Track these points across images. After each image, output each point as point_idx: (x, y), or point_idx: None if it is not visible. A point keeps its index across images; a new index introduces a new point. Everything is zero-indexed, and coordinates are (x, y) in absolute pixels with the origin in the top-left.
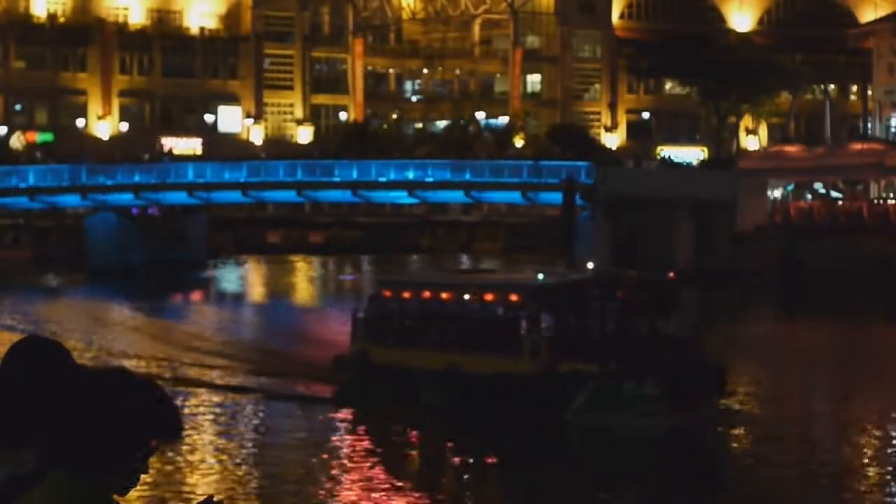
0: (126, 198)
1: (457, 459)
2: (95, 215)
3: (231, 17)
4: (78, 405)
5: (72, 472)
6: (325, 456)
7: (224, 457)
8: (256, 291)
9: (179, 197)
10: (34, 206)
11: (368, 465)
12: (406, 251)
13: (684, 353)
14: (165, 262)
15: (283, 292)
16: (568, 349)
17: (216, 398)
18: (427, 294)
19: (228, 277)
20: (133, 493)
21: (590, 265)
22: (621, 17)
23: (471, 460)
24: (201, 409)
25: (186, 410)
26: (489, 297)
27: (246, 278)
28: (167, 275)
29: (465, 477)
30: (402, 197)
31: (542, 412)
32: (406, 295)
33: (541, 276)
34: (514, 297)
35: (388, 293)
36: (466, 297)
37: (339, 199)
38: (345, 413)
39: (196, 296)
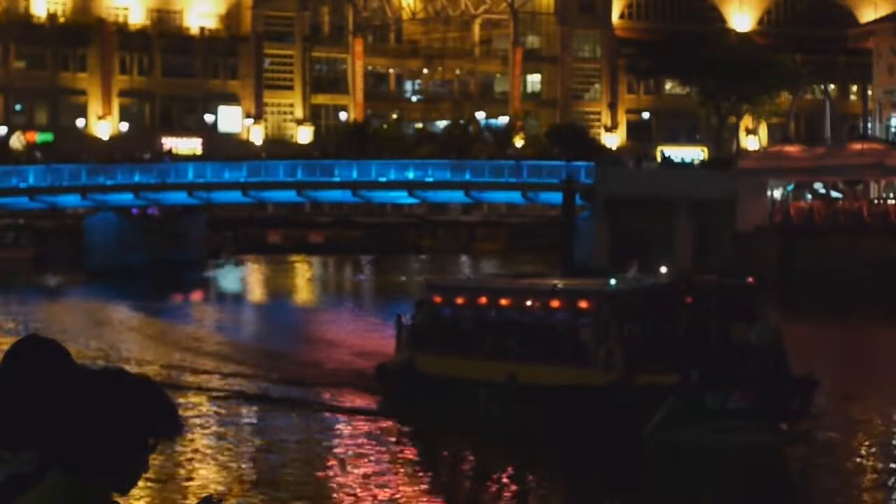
0: (126, 198)
1: (519, 478)
2: (95, 215)
3: (231, 17)
4: (77, 405)
5: (71, 471)
6: (373, 471)
7: (262, 473)
8: (265, 292)
9: (179, 197)
10: (34, 206)
11: (421, 483)
12: (406, 251)
13: (770, 364)
14: (165, 262)
15: (296, 294)
16: (645, 359)
17: (244, 409)
18: (483, 300)
19: (231, 277)
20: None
21: (663, 269)
22: (621, 17)
23: (535, 480)
24: (230, 421)
25: (213, 420)
26: (555, 303)
27: (251, 278)
28: (167, 275)
29: (529, 499)
30: (402, 197)
31: (617, 427)
32: (459, 301)
33: (614, 281)
34: (583, 304)
35: (438, 299)
36: (529, 303)
37: (339, 199)
38: (391, 425)
39: (196, 296)
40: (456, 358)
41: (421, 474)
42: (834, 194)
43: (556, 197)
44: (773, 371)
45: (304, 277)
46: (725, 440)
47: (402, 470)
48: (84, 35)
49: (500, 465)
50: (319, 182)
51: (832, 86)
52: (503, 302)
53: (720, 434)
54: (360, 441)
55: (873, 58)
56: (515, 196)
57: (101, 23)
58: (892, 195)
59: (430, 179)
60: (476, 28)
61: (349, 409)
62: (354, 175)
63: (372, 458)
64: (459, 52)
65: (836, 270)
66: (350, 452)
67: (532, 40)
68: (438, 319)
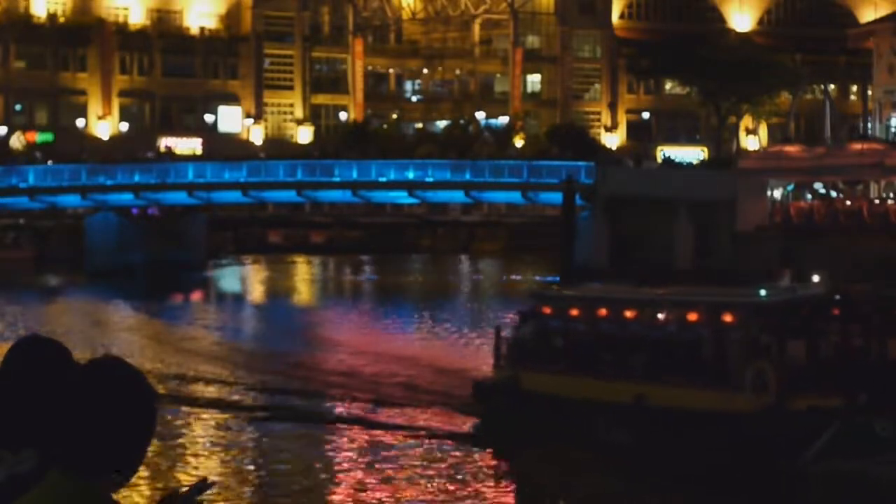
0: (126, 198)
1: None
2: (95, 215)
3: (231, 17)
4: (77, 405)
5: (71, 471)
6: None
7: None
8: (273, 293)
9: (179, 197)
10: (34, 206)
11: None
12: (406, 251)
13: None
14: (165, 262)
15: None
16: (802, 380)
17: (319, 433)
18: (603, 312)
19: (233, 277)
20: None
21: (815, 278)
22: (621, 17)
23: None
24: (310, 444)
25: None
26: (693, 316)
27: (255, 278)
28: (167, 275)
29: None
30: (402, 197)
31: (769, 458)
32: (574, 312)
33: (763, 291)
34: (728, 318)
35: (547, 310)
36: (660, 315)
37: (339, 199)
38: (492, 452)
39: (196, 296)
40: (569, 376)
41: None
42: (834, 194)
43: (556, 197)
44: None
45: (309, 278)
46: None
47: (505, 502)
48: (84, 35)
49: (624, 500)
50: (319, 182)
51: (832, 86)
52: (628, 314)
53: (891, 466)
54: (456, 470)
55: (873, 58)
56: (515, 196)
57: (101, 23)
58: (892, 195)
59: (430, 179)
60: (476, 28)
61: (443, 433)
62: (354, 175)
63: (471, 488)
64: (459, 52)
65: (836, 271)
66: (445, 482)
67: (532, 40)
68: (547, 333)
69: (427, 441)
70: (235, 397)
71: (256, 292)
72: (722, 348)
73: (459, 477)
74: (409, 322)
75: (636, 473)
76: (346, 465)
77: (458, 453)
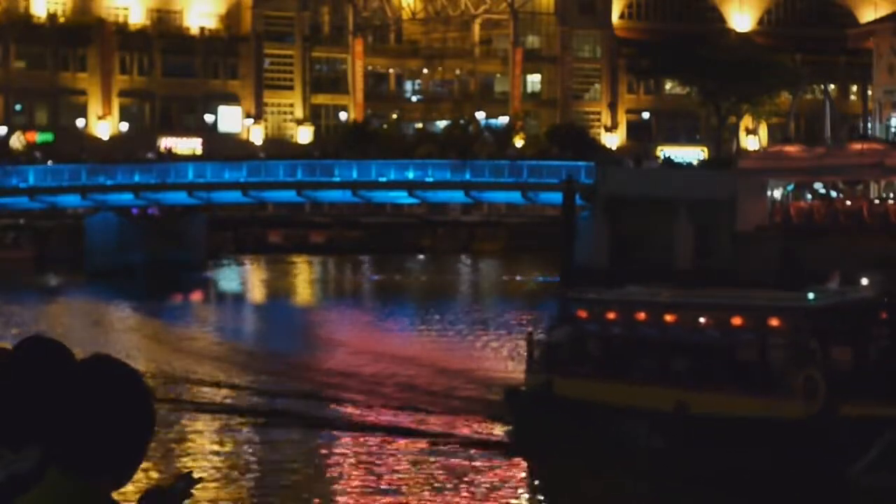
0: (126, 198)
1: None
2: (95, 215)
3: (231, 17)
4: (78, 405)
5: (71, 471)
6: None
7: None
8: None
9: (179, 197)
10: (34, 206)
11: None
12: (406, 251)
13: None
14: (165, 262)
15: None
16: (853, 388)
17: (352, 439)
18: (642, 315)
19: (239, 277)
20: None
21: (864, 281)
22: (621, 17)
23: None
24: (342, 452)
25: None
26: (738, 320)
27: (257, 278)
28: (167, 275)
29: None
30: (402, 197)
31: (819, 468)
32: (611, 316)
33: (812, 295)
34: (775, 322)
35: (583, 313)
36: (702, 320)
37: (339, 199)
38: (525, 460)
39: (196, 296)
40: (606, 382)
41: None
42: (834, 195)
43: (556, 197)
44: None
45: (309, 278)
46: None
47: None
48: (84, 35)
49: None
50: (319, 182)
51: (832, 86)
52: (668, 318)
53: None
54: (486, 479)
55: (873, 58)
56: (515, 196)
57: (101, 23)
58: (892, 195)
59: (430, 179)
60: (476, 28)
61: (474, 441)
62: (354, 175)
63: (503, 499)
64: (459, 52)
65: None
66: (475, 491)
67: (532, 40)
68: (583, 337)
69: (457, 449)
70: (234, 398)
71: (256, 292)
72: (768, 354)
73: (490, 486)
74: (410, 322)
75: (676, 483)
76: (379, 473)
77: (489, 461)
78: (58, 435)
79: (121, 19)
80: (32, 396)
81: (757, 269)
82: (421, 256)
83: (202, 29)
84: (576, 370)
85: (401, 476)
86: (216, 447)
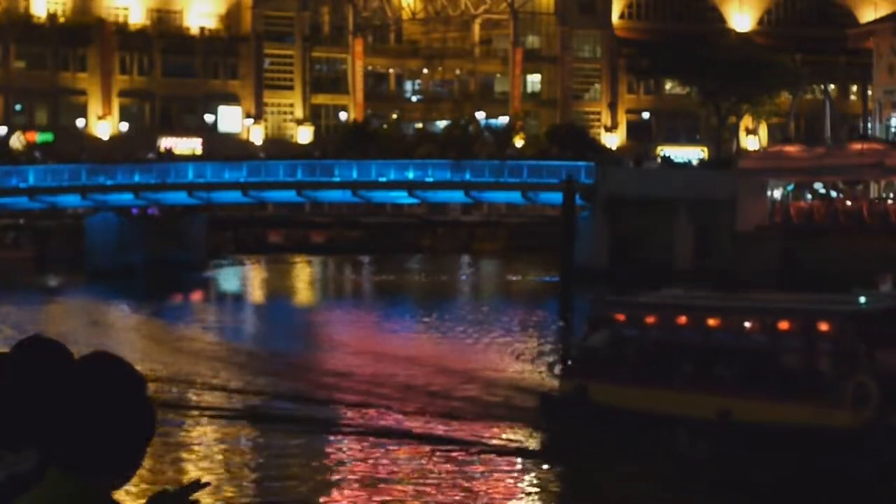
0: (126, 198)
1: None
2: (95, 215)
3: (231, 17)
4: (79, 405)
5: (71, 471)
6: None
7: None
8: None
9: (179, 197)
10: (34, 206)
11: None
12: (406, 251)
13: None
14: (165, 262)
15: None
16: None
17: (359, 444)
18: (683, 319)
19: (239, 277)
20: None
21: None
22: (621, 17)
23: None
24: (364, 459)
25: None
26: (784, 325)
27: (259, 278)
28: (167, 275)
29: None
30: (402, 197)
31: (870, 479)
32: (650, 320)
33: (863, 299)
34: (824, 327)
35: (620, 317)
36: (747, 324)
37: (339, 199)
38: (560, 468)
39: (196, 296)
40: (644, 388)
41: None
42: (834, 194)
43: (556, 197)
44: None
45: (309, 278)
46: None
47: None
48: (84, 35)
49: None
50: (319, 182)
51: (832, 86)
52: (711, 322)
53: None
54: (521, 487)
55: (873, 58)
56: (515, 196)
57: (101, 23)
58: (892, 195)
59: (430, 179)
60: (476, 28)
61: (508, 448)
62: (354, 175)
63: None
64: (459, 52)
65: (836, 271)
66: (509, 500)
67: (532, 40)
68: (621, 342)
69: (490, 456)
70: (233, 399)
71: (256, 292)
72: (816, 360)
73: (525, 494)
74: (411, 323)
75: (718, 493)
76: (412, 479)
77: (523, 469)
78: (58, 435)
79: (121, 19)
80: (32, 397)
81: (757, 269)
82: (421, 256)
83: (202, 29)
84: (612, 376)
85: (429, 479)
86: (216, 447)
